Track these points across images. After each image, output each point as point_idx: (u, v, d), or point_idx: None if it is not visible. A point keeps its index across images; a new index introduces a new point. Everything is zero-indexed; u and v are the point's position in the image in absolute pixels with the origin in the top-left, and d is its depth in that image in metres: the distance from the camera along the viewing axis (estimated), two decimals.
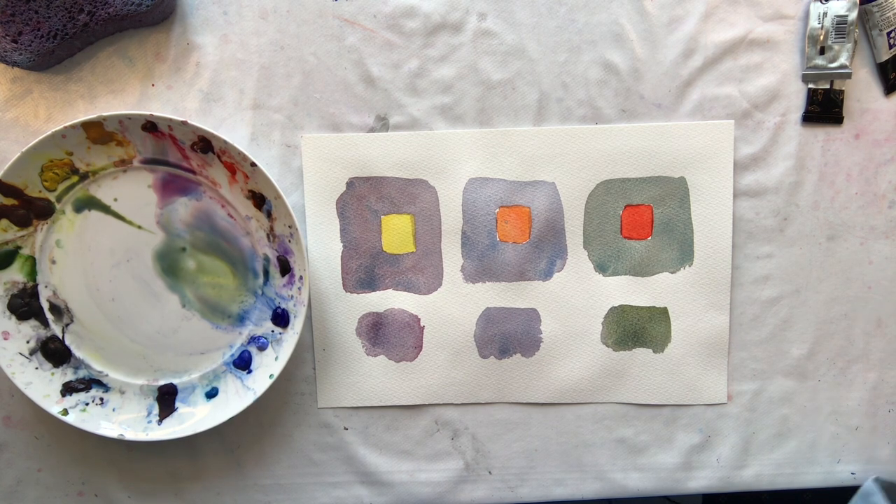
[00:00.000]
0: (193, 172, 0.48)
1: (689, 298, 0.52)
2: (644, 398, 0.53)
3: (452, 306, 0.52)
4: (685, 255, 0.51)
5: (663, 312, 0.52)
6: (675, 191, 0.51)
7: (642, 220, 0.51)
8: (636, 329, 0.52)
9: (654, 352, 0.52)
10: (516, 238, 0.51)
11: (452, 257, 0.52)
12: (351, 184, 0.51)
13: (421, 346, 0.52)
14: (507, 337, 0.52)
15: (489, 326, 0.52)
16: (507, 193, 0.51)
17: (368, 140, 0.50)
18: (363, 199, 0.51)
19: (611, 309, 0.52)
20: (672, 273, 0.52)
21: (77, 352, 0.50)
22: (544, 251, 0.52)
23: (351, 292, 0.52)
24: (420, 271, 0.52)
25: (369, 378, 0.52)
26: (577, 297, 0.52)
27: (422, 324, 0.52)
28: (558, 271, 0.52)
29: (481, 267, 0.51)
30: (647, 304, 0.52)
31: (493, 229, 0.51)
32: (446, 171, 0.51)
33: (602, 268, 0.52)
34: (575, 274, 0.52)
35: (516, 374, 0.52)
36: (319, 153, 0.50)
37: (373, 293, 0.52)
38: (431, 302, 0.52)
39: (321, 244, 0.51)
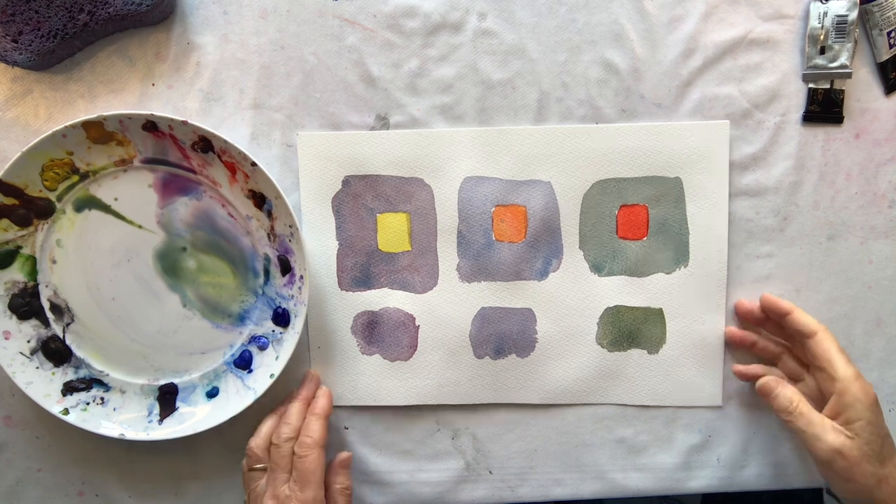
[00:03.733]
0: (194, 172, 0.48)
1: (685, 299, 0.51)
2: (639, 399, 0.52)
3: (448, 305, 0.52)
4: (680, 255, 0.51)
5: (658, 313, 0.52)
6: (671, 191, 0.51)
7: (638, 220, 0.51)
8: (631, 330, 0.52)
9: (649, 353, 0.52)
10: (512, 237, 0.51)
11: (448, 256, 0.51)
12: (346, 182, 0.51)
13: (416, 346, 0.52)
14: (503, 337, 0.52)
15: (485, 326, 0.52)
16: (503, 192, 0.51)
17: (364, 138, 0.50)
18: (359, 198, 0.51)
19: (606, 309, 0.52)
20: (667, 274, 0.51)
21: (78, 351, 0.50)
22: (540, 251, 0.51)
23: (346, 290, 0.52)
24: (416, 270, 0.52)
25: (364, 377, 0.52)
26: (572, 297, 0.52)
27: (417, 323, 0.52)
28: (554, 271, 0.52)
29: (477, 266, 0.51)
30: (643, 304, 0.52)
31: (488, 228, 0.51)
32: (442, 170, 0.51)
33: (597, 268, 0.52)
34: (570, 274, 0.52)
35: (511, 375, 0.52)
36: (315, 151, 0.50)
37: (368, 292, 0.52)
38: (427, 301, 0.52)
39: (317, 242, 0.51)
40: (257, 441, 0.47)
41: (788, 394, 0.46)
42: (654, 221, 0.51)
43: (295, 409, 0.47)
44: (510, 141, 0.50)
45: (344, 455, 0.49)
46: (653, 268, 0.51)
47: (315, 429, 0.45)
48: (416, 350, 0.52)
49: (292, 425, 0.46)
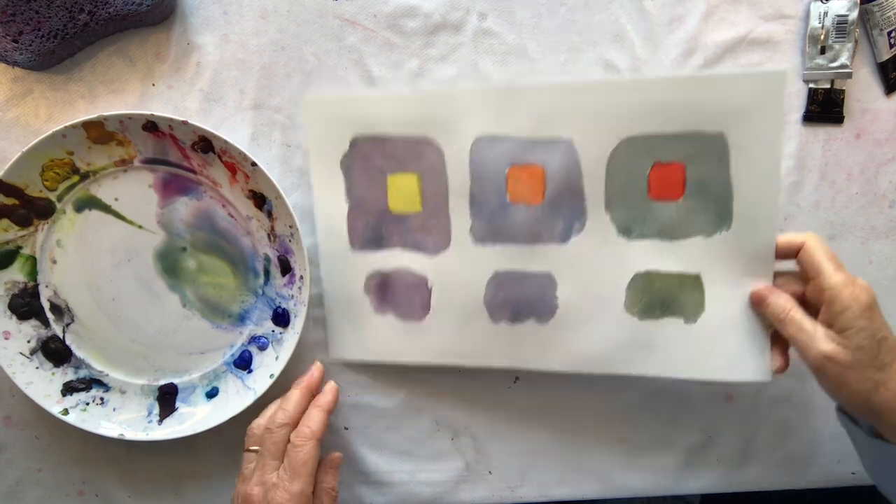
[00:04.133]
0: (194, 172, 0.48)
1: (726, 265, 0.46)
2: (675, 371, 0.48)
3: (461, 268, 0.49)
4: (722, 218, 0.46)
5: (695, 280, 0.47)
6: (713, 148, 0.45)
7: (672, 179, 0.46)
8: (664, 297, 0.48)
9: (686, 322, 0.47)
10: (529, 199, 0.48)
11: (461, 217, 0.49)
12: (354, 143, 0.49)
13: (429, 307, 0.50)
14: (520, 302, 0.49)
15: (500, 290, 0.49)
16: (518, 151, 0.47)
17: (370, 99, 0.49)
18: (368, 159, 0.49)
19: (636, 275, 0.48)
20: (707, 237, 0.47)
21: (78, 351, 0.50)
22: (560, 213, 0.48)
23: (358, 250, 0.50)
24: (427, 231, 0.49)
25: (378, 335, 0.51)
26: (597, 262, 0.48)
27: (429, 285, 0.50)
28: (576, 234, 0.48)
29: (491, 228, 0.48)
30: (677, 270, 0.47)
31: (503, 190, 0.48)
32: (452, 130, 0.48)
33: (626, 231, 0.47)
34: (595, 237, 0.47)
35: (530, 341, 0.49)
36: (321, 114, 0.49)
37: (380, 252, 0.50)
38: (439, 263, 0.49)
39: (327, 202, 0.50)
40: (259, 422, 0.45)
41: (781, 302, 0.44)
42: (691, 181, 0.46)
43: (294, 396, 0.46)
44: (526, 99, 0.46)
45: (334, 455, 0.48)
46: (690, 231, 0.47)
47: (316, 420, 0.44)
48: (429, 312, 0.50)
49: (289, 412, 0.45)
